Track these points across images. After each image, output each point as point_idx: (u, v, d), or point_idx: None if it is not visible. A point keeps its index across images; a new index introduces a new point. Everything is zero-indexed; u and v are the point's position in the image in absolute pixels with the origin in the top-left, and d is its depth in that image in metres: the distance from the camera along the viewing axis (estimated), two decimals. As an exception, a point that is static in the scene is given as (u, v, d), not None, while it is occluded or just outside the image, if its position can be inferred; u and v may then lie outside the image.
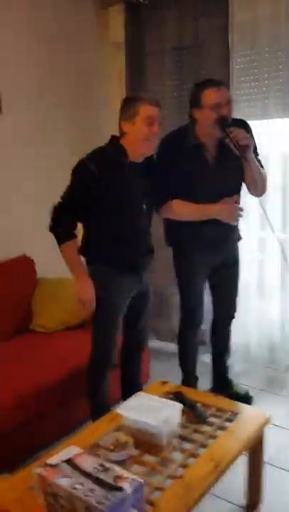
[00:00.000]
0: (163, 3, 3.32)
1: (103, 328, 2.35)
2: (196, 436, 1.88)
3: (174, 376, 2.80)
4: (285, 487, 2.20)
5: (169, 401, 1.98)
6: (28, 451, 2.35)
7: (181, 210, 2.48)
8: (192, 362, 2.84)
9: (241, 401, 2.59)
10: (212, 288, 2.85)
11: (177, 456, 1.78)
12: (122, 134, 2.25)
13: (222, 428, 1.93)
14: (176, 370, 2.88)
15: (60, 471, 1.50)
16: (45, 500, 1.49)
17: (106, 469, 1.50)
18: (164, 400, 1.99)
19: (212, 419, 1.98)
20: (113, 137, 2.29)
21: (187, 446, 1.83)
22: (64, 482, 1.44)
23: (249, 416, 2.02)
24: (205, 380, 2.92)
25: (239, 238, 2.77)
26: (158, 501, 1.53)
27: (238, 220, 2.56)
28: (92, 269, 2.32)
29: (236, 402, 2.21)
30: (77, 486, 1.42)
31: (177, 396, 2.09)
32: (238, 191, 2.60)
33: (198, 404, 2.05)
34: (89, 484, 1.43)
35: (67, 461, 1.54)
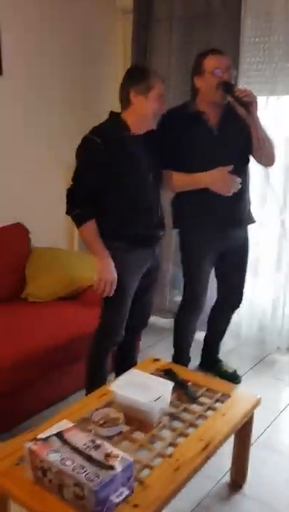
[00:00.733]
0: None
1: (113, 305, 2.32)
2: (186, 416, 1.89)
3: (164, 351, 2.81)
4: (269, 467, 2.23)
5: (160, 379, 1.98)
6: (17, 419, 2.37)
7: (175, 179, 2.44)
8: (187, 342, 2.83)
9: (229, 380, 2.63)
10: (219, 275, 2.81)
11: (167, 434, 1.79)
12: (128, 103, 2.20)
13: (212, 408, 1.94)
14: (166, 345, 2.88)
15: (51, 446, 1.50)
16: (34, 474, 1.50)
17: (96, 446, 1.50)
18: (156, 377, 1.99)
19: (203, 399, 1.99)
20: (112, 112, 2.27)
21: (177, 424, 1.84)
22: (54, 457, 1.44)
23: (240, 397, 2.03)
24: (193, 357, 2.92)
25: (252, 221, 2.70)
26: (147, 479, 1.54)
27: (232, 191, 2.43)
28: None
29: (226, 382, 2.22)
30: (68, 463, 1.43)
31: (168, 374, 2.10)
32: (242, 162, 2.54)
33: (190, 384, 2.06)
34: (79, 461, 1.44)
35: (57, 435, 1.54)
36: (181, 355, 2.82)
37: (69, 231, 3.53)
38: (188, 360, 2.86)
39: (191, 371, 2.47)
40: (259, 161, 2.55)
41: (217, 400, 1.99)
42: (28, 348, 2.39)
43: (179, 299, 2.92)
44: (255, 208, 2.76)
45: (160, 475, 1.57)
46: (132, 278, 2.32)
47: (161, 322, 3.57)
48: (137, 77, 2.19)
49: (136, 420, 1.81)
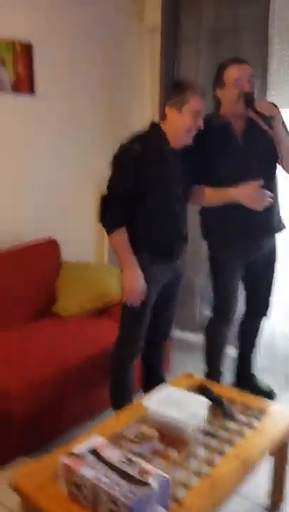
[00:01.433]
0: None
1: (132, 316, 2.31)
2: (222, 433, 1.83)
3: (195, 368, 2.75)
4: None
5: (196, 395, 1.93)
6: (48, 437, 2.35)
7: (207, 195, 2.42)
8: (219, 356, 2.77)
9: (264, 396, 2.55)
10: (246, 285, 2.76)
11: (202, 452, 1.74)
12: (164, 118, 2.20)
13: (249, 425, 1.88)
14: (197, 361, 2.82)
15: (85, 461, 1.47)
16: (68, 489, 1.47)
17: (131, 462, 1.47)
18: (191, 394, 1.95)
19: (238, 416, 1.94)
20: (153, 123, 2.26)
21: (213, 442, 1.78)
22: (89, 473, 1.41)
23: (276, 414, 1.97)
24: (226, 372, 2.85)
25: (283, 227, 2.64)
26: (183, 499, 1.49)
27: (264, 206, 2.38)
28: None
29: (262, 398, 2.16)
30: (103, 478, 1.39)
31: (203, 390, 2.05)
32: (270, 171, 2.51)
33: (225, 401, 2.01)
34: (114, 477, 1.40)
35: (92, 451, 1.52)
36: (213, 370, 2.76)
37: (99, 244, 3.55)
38: (220, 374, 2.80)
39: (224, 387, 2.41)
40: (286, 169, 2.52)
41: (253, 417, 1.93)
42: (64, 363, 2.41)
43: (209, 313, 2.87)
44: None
45: (196, 494, 1.52)
46: (152, 289, 2.30)
47: (192, 338, 3.51)
48: (173, 90, 2.19)
49: (170, 437, 1.77)
